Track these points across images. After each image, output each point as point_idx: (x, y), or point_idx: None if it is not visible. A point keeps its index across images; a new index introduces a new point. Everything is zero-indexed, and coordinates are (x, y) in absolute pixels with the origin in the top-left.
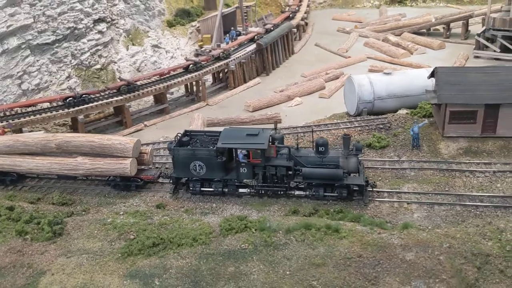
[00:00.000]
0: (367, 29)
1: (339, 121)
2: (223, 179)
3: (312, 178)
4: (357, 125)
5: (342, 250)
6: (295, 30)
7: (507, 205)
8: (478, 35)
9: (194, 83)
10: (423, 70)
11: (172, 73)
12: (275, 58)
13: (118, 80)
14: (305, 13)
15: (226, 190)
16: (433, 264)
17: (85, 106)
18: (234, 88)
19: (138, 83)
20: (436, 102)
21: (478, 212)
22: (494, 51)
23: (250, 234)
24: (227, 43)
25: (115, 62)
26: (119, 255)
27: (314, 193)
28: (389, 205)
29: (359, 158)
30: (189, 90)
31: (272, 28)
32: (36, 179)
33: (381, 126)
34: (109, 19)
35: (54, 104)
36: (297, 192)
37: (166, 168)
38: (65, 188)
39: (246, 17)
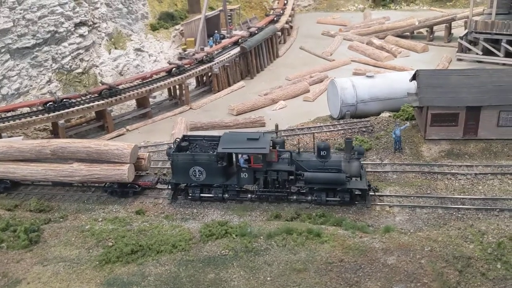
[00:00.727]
0: (351, 33)
1: (322, 125)
2: (223, 184)
3: (314, 182)
4: (340, 128)
5: (323, 254)
6: (279, 33)
7: (489, 207)
8: (461, 38)
9: (177, 86)
10: (405, 73)
11: (155, 76)
12: (260, 62)
13: (100, 84)
14: (289, 16)
15: (227, 195)
16: (415, 268)
17: (66, 110)
18: (218, 91)
19: (120, 87)
20: (417, 105)
21: (459, 215)
22: (477, 54)
23: (230, 240)
24: (211, 46)
25: (97, 66)
26: (97, 262)
27: (316, 198)
28: (371, 208)
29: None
30: (172, 93)
31: (256, 32)
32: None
33: (364, 129)
34: (91, 23)
35: (34, 109)
36: (298, 197)
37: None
38: (43, 194)
39: (230, 20)
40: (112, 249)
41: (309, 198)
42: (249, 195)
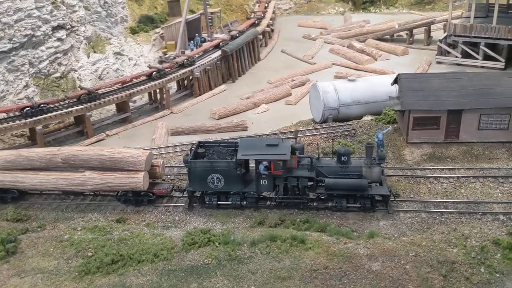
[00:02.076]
0: (332, 36)
1: (305, 128)
2: (242, 191)
3: (335, 189)
4: (322, 132)
5: (308, 262)
6: (260, 36)
7: (471, 211)
8: (440, 41)
9: (157, 90)
10: (387, 76)
11: (135, 81)
12: (241, 65)
13: (79, 89)
14: (270, 19)
15: (245, 203)
16: (400, 274)
17: (44, 116)
18: (200, 95)
19: (100, 91)
20: (399, 108)
21: (443, 219)
22: (456, 56)
23: (213, 248)
24: (192, 49)
25: (76, 70)
26: (76, 273)
27: (336, 205)
28: (355, 213)
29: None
30: (153, 98)
31: (237, 35)
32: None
33: (346, 133)
34: (69, 26)
35: (11, 115)
36: (318, 204)
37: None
38: (20, 204)
39: (211, 24)
40: (92, 259)
41: (330, 204)
42: (268, 202)
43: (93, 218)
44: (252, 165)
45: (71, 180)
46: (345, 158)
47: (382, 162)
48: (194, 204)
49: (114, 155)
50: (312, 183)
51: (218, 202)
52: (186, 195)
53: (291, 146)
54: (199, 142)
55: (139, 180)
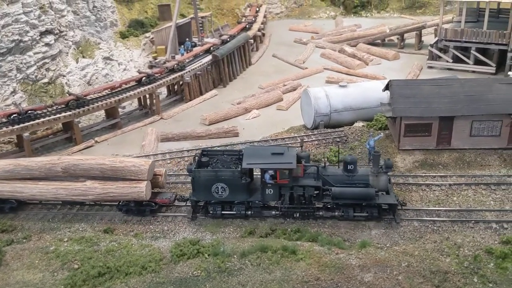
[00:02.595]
0: (323, 40)
1: (296, 135)
2: (247, 201)
3: (342, 198)
4: (314, 138)
5: (299, 273)
6: (252, 41)
7: (464, 219)
8: (431, 45)
9: (147, 96)
10: (378, 82)
11: (124, 86)
12: (232, 70)
13: (67, 95)
14: (261, 23)
15: (250, 212)
16: (392, 285)
17: (31, 122)
18: (190, 100)
19: (88, 97)
20: (391, 115)
21: (435, 227)
22: (447, 61)
23: (203, 260)
24: (182, 54)
25: (64, 76)
26: (62, 287)
27: (343, 214)
28: (346, 222)
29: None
30: (143, 103)
31: (228, 39)
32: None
33: (338, 140)
34: (57, 31)
35: None
36: (325, 213)
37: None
38: (5, 214)
39: (201, 28)
40: (78, 272)
41: (336, 213)
42: (273, 212)
43: (80, 229)
44: (256, 174)
45: (71, 190)
46: (351, 167)
47: (389, 170)
48: (197, 214)
49: (116, 164)
50: (317, 192)
51: (223, 212)
52: (189, 204)
53: (296, 155)
54: (202, 150)
55: (142, 189)
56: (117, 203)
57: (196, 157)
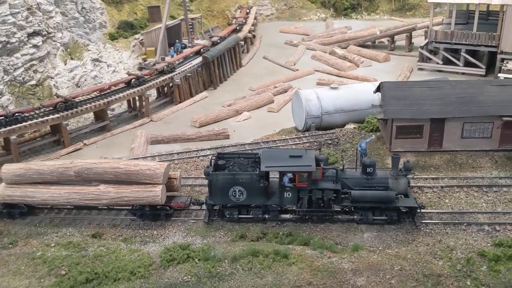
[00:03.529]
0: (314, 42)
1: (287, 137)
2: (264, 204)
3: (362, 201)
4: (305, 140)
5: (291, 278)
6: (242, 42)
7: (456, 221)
8: (421, 47)
9: (137, 98)
10: (369, 84)
11: (113, 88)
12: (223, 71)
13: (55, 97)
14: (252, 25)
15: (267, 216)
16: None
17: (18, 125)
18: (180, 102)
19: (76, 99)
20: (382, 117)
21: (428, 230)
22: (437, 63)
23: (193, 265)
24: (172, 56)
25: (52, 78)
26: None
27: (362, 217)
28: (338, 225)
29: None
30: (132, 105)
31: (218, 41)
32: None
33: (329, 142)
34: (45, 32)
35: None
36: (344, 217)
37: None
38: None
39: (192, 30)
40: (65, 278)
41: (355, 217)
42: (290, 215)
43: (68, 233)
44: (272, 177)
45: (84, 194)
46: (370, 170)
47: (409, 173)
48: (213, 218)
49: (130, 168)
50: (337, 195)
51: (239, 216)
52: (204, 208)
53: (315, 157)
54: (218, 153)
55: (157, 193)
56: (130, 207)
57: (213, 160)
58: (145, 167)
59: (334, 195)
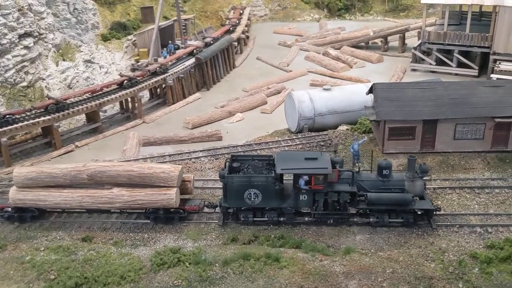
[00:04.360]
0: (307, 43)
1: (280, 139)
2: (279, 207)
3: (377, 204)
4: (298, 142)
5: (282, 281)
6: (236, 43)
7: (448, 223)
8: (415, 48)
9: (129, 99)
10: (362, 85)
11: (105, 89)
12: (216, 73)
13: (46, 98)
14: (246, 26)
15: (282, 219)
16: None
17: (9, 127)
18: (173, 104)
19: (68, 101)
20: (374, 118)
21: (420, 232)
22: (430, 64)
23: (183, 268)
24: (165, 57)
25: (44, 79)
26: None
27: (378, 220)
28: (330, 227)
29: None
30: (124, 107)
31: (211, 42)
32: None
33: (322, 143)
34: (37, 34)
35: None
36: (360, 219)
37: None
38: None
39: (185, 30)
40: (54, 282)
41: (371, 220)
42: (306, 218)
43: (58, 237)
44: (285, 179)
45: (97, 198)
46: (386, 172)
47: (425, 175)
48: (227, 221)
49: (144, 171)
50: (351, 197)
51: (254, 219)
52: (218, 211)
53: (330, 159)
54: (232, 155)
55: (172, 196)
56: (143, 210)
57: (227, 163)
58: (159, 169)
59: (350, 197)
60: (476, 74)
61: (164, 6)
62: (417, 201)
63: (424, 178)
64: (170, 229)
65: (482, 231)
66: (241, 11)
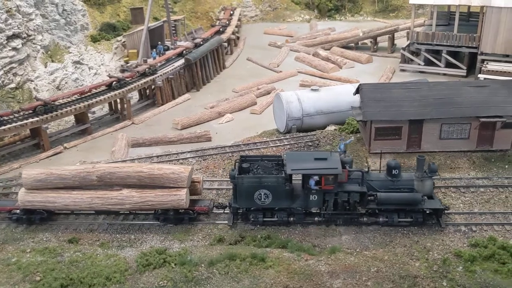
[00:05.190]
0: (297, 44)
1: (268, 139)
2: (289, 208)
3: (387, 203)
4: (286, 143)
5: (268, 281)
6: (226, 44)
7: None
8: (403, 49)
9: (118, 100)
10: (350, 86)
11: (94, 91)
12: (206, 73)
13: (35, 100)
14: (236, 27)
15: (292, 219)
16: None
17: None
18: (162, 105)
19: (57, 102)
20: (361, 119)
21: (405, 231)
22: (419, 64)
23: (169, 269)
24: (154, 58)
25: (32, 81)
26: None
27: (387, 220)
28: (317, 227)
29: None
30: (113, 108)
31: (201, 43)
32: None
33: (310, 144)
34: (25, 35)
35: None
36: (369, 219)
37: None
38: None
39: (174, 31)
40: (39, 284)
41: (380, 219)
42: (316, 218)
43: (44, 239)
44: (294, 179)
45: (107, 199)
46: (396, 171)
47: (434, 175)
48: (236, 222)
49: (154, 172)
50: (361, 197)
51: (264, 219)
52: (228, 211)
53: (340, 159)
54: (241, 156)
55: (182, 197)
56: (153, 211)
57: (237, 163)
58: (169, 170)
59: (360, 197)
60: (464, 74)
61: (154, 7)
62: (426, 200)
63: (433, 177)
64: (157, 230)
65: (466, 230)
66: (232, 12)
